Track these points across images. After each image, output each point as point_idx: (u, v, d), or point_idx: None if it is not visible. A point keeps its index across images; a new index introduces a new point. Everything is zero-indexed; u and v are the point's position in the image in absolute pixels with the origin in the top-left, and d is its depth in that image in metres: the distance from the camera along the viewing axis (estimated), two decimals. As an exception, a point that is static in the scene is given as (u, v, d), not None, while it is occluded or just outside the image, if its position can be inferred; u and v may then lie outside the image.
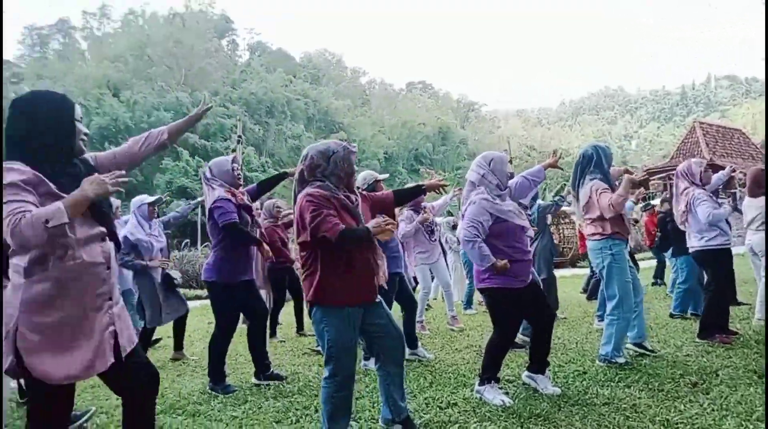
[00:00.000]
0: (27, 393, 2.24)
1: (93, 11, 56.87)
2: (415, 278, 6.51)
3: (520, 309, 3.56)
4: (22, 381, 3.36)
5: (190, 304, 5.97)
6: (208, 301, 4.72)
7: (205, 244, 18.35)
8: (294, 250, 6.20)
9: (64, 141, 2.12)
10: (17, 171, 1.95)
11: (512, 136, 57.26)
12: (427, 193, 3.56)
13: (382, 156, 48.84)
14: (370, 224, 2.64)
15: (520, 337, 4.83)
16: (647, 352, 4.29)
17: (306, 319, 6.60)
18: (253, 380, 4.26)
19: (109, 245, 2.19)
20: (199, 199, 5.45)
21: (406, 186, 3.74)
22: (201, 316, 8.34)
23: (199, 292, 11.66)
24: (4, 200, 1.89)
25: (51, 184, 2.00)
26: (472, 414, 3.17)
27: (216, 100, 42.86)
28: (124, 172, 2.10)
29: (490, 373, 3.46)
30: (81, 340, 2.05)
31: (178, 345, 5.57)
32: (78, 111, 2.19)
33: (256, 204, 5.28)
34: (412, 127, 55.76)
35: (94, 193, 1.96)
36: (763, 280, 5.26)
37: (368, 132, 51.95)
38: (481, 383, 3.47)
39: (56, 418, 2.10)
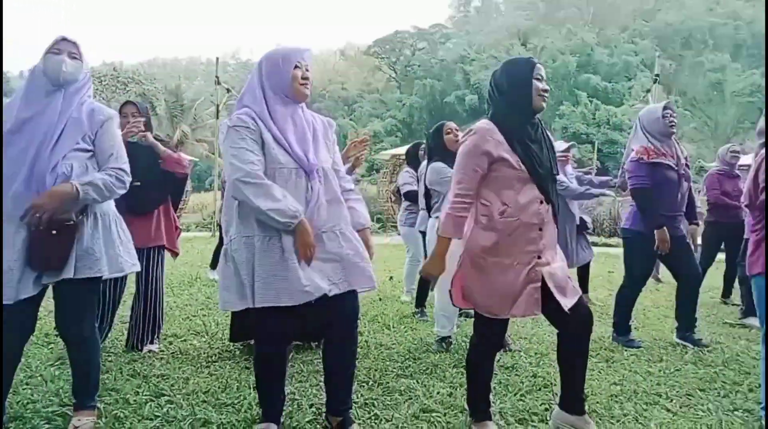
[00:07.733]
0: None
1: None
2: None
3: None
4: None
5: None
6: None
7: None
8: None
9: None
10: None
11: None
12: None
13: None
14: None
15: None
16: None
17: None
18: (674, 338, 4.07)
19: (545, 208, 2.36)
20: None
21: None
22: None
23: (594, 238, 11.67)
24: None
25: None
26: None
27: (623, 37, 40.22)
28: None
29: None
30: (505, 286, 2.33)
31: (584, 288, 5.75)
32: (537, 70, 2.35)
33: None
34: None
35: None
36: None
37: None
38: None
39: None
